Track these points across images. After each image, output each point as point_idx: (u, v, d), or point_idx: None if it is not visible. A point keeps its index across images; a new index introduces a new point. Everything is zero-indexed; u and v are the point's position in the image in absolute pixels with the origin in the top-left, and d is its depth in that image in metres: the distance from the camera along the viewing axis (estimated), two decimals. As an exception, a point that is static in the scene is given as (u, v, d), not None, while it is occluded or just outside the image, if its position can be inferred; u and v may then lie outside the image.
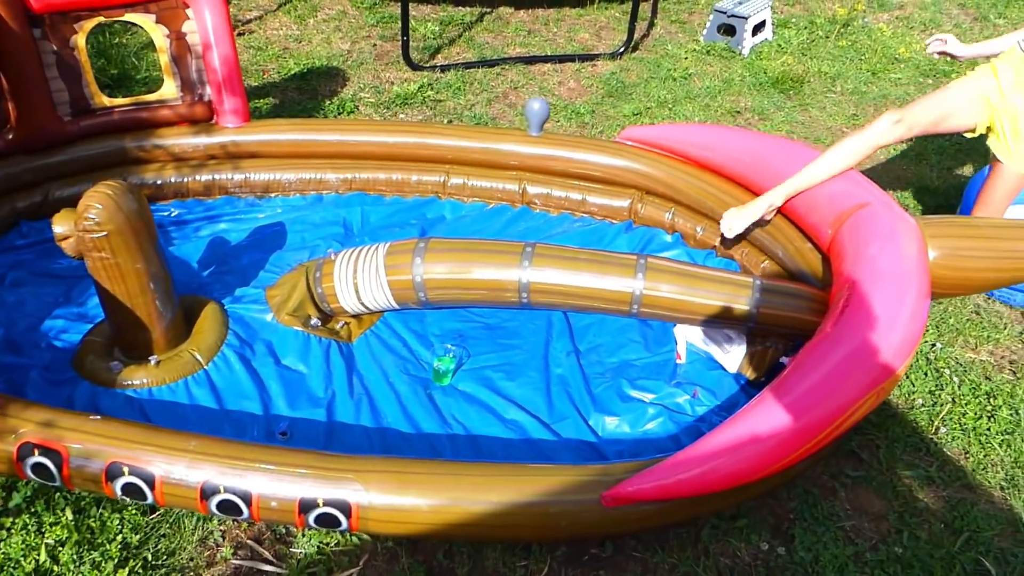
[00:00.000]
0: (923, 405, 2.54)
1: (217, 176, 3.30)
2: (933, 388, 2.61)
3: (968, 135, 2.79)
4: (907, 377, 2.65)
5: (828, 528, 2.16)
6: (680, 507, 1.92)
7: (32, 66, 3.02)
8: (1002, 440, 2.42)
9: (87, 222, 2.14)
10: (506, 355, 2.61)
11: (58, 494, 2.06)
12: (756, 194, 2.96)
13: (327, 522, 1.84)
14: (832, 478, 2.32)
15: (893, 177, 3.92)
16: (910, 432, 2.45)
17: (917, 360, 2.72)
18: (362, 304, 2.56)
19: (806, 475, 2.29)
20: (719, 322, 2.43)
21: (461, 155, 3.33)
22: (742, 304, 2.36)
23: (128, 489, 1.86)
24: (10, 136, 3.04)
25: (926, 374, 2.66)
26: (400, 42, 4.66)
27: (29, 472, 1.90)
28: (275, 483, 1.81)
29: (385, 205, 3.30)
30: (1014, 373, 2.71)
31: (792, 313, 2.37)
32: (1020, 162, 2.71)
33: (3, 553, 1.93)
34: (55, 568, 1.91)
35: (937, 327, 2.89)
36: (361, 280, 2.51)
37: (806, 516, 2.20)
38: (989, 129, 2.75)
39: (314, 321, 2.58)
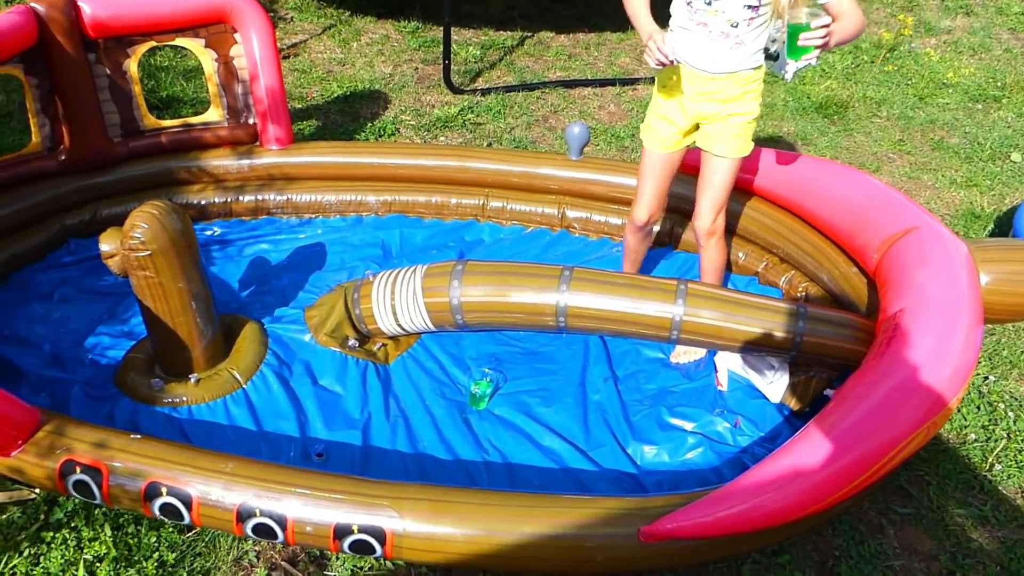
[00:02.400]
0: (976, 440, 2.45)
1: (260, 197, 3.35)
2: (986, 423, 2.52)
3: None
4: (959, 411, 2.56)
5: (876, 567, 2.08)
6: (720, 543, 1.86)
7: (86, 90, 3.11)
8: (1063, 480, 2.32)
9: (132, 241, 2.18)
10: (543, 380, 2.58)
11: (98, 510, 2.08)
12: (801, 218, 2.91)
13: (362, 549, 1.82)
14: (880, 514, 2.24)
15: (942, 203, 3.82)
16: (962, 468, 2.36)
17: (969, 393, 2.63)
18: (399, 326, 2.56)
19: (852, 511, 2.21)
20: (761, 350, 2.37)
21: (500, 179, 3.34)
22: (785, 332, 2.31)
23: (166, 510, 1.87)
24: (63, 157, 3.13)
25: (979, 408, 2.57)
26: (441, 65, 4.70)
27: (71, 489, 1.92)
28: (310, 508, 1.80)
29: (424, 227, 3.31)
30: (1073, 409, 2.60)
31: (837, 342, 2.31)
32: None
33: (43, 568, 1.94)
34: (92, 585, 1.93)
35: (990, 359, 2.79)
36: (399, 302, 2.51)
37: (852, 554, 2.12)
38: None
39: (351, 342, 2.58)
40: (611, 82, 4.94)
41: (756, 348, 2.37)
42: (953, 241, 2.34)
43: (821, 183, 2.83)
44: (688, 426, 2.41)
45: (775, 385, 2.46)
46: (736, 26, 2.22)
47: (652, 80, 4.92)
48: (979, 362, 2.76)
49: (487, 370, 2.55)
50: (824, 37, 2.04)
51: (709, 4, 2.20)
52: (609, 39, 5.68)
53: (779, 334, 2.31)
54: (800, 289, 2.88)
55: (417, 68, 5.11)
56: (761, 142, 4.33)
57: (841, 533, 2.17)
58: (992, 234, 3.54)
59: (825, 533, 2.17)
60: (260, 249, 3.14)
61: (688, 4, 2.24)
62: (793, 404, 2.46)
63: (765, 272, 3.03)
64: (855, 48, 5.52)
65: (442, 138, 4.26)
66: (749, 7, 2.19)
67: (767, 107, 4.72)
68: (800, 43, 2.04)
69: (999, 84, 5.05)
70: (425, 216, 3.38)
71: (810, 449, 1.82)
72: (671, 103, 2.42)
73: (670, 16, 2.35)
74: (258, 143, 3.40)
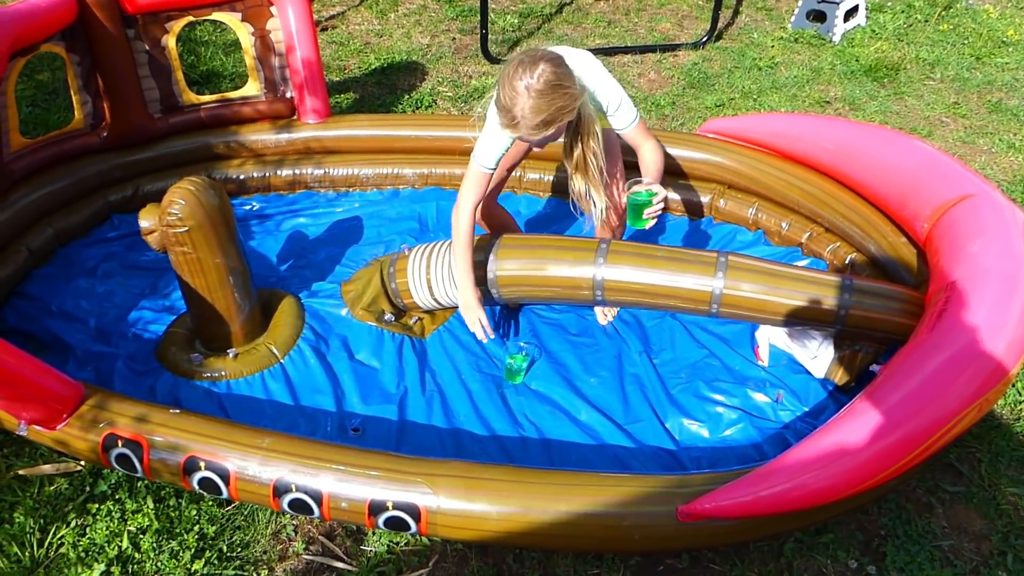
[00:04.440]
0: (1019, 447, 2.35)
1: (298, 171, 3.36)
2: (1036, 415, 2.42)
3: None
4: (1014, 385, 2.46)
5: (923, 547, 2.02)
6: (761, 523, 1.82)
7: (126, 66, 3.14)
8: (1125, 457, 2.22)
9: (170, 217, 2.20)
10: (579, 353, 2.55)
11: (140, 483, 2.12)
12: (846, 186, 2.81)
13: (397, 525, 1.82)
14: (928, 493, 2.17)
15: (999, 168, 3.66)
16: (1016, 445, 2.27)
17: (1009, 401, 2.52)
18: (435, 300, 2.55)
19: (899, 489, 2.15)
20: (805, 323, 2.30)
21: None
22: (830, 305, 2.23)
23: (204, 484, 1.89)
24: (105, 133, 3.17)
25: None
26: (479, 35, 4.64)
27: (113, 462, 1.96)
28: (346, 484, 1.81)
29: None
30: None
31: (884, 315, 2.22)
32: None
33: (89, 538, 1.99)
34: (136, 555, 1.97)
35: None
36: (434, 276, 2.49)
37: (899, 533, 2.06)
38: None
39: (388, 316, 2.58)
40: (651, 48, 4.82)
41: (799, 321, 2.30)
42: (1010, 209, 2.23)
43: (867, 150, 2.72)
44: (728, 401, 2.36)
45: (819, 360, 2.39)
46: None
47: (694, 46, 4.82)
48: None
49: (523, 344, 2.53)
50: (661, 204, 2.20)
51: None
52: (650, 4, 5.54)
53: (823, 307, 2.24)
54: (846, 260, 2.79)
55: (455, 38, 5.05)
56: (807, 107, 4.21)
57: (887, 512, 2.11)
58: (1052, 201, 3.38)
59: (871, 511, 2.11)
60: (298, 223, 3.15)
61: None
62: (838, 379, 2.39)
63: (809, 243, 2.94)
64: (908, 7, 5.30)
65: (479, 109, 4.21)
66: None
67: (813, 71, 4.56)
68: (645, 216, 2.21)
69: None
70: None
71: (856, 426, 1.76)
72: None
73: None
74: (296, 116, 3.40)
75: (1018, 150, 3.80)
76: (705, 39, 4.89)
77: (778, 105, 4.22)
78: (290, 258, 2.95)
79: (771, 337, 2.54)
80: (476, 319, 2.32)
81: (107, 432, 1.91)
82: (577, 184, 2.31)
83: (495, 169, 2.29)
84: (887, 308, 2.24)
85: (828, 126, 3.01)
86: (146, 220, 2.27)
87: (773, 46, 4.88)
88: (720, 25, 5.09)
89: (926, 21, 5.13)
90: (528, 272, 2.42)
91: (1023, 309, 1.95)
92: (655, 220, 2.24)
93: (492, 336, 2.36)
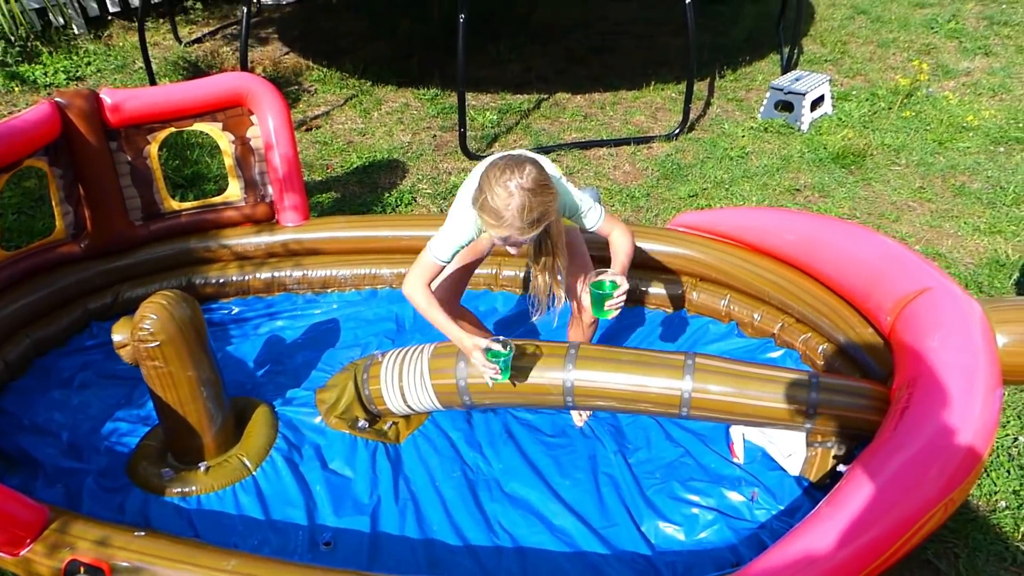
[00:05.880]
0: (1007, 508, 2.35)
1: (277, 273, 3.41)
2: (1017, 488, 2.41)
3: None
4: (988, 476, 2.46)
5: (904, 651, 1.99)
6: (734, 631, 1.79)
7: (108, 177, 3.22)
8: (1102, 549, 2.21)
9: (142, 332, 2.22)
10: (554, 454, 2.55)
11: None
12: (814, 277, 2.87)
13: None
14: (907, 592, 2.14)
15: (965, 251, 3.74)
16: (993, 539, 2.26)
17: (998, 457, 2.53)
18: (408, 406, 2.56)
19: (877, 590, 2.12)
20: (775, 424, 2.32)
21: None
22: (798, 404, 2.25)
23: (168, 607, 1.86)
24: (86, 242, 3.22)
25: (1009, 472, 2.47)
26: (458, 132, 4.79)
27: (76, 587, 1.93)
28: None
29: (437, 299, 3.32)
30: (1110, 471, 2.49)
31: (852, 412, 2.24)
32: None
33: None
34: None
35: (1019, 417, 2.69)
36: (407, 383, 2.51)
37: (879, 637, 2.02)
38: None
39: (361, 423, 2.58)
40: (626, 141, 4.97)
41: (769, 422, 2.31)
42: (967, 302, 2.28)
43: (831, 242, 2.79)
44: (704, 501, 2.35)
45: (794, 457, 2.40)
46: None
47: (667, 138, 4.98)
48: (1008, 423, 2.66)
49: (502, 339, 2.34)
50: (623, 296, 2.24)
51: None
52: (624, 97, 5.74)
53: (791, 406, 2.25)
54: (818, 351, 2.82)
55: (435, 135, 5.21)
56: (778, 195, 4.32)
57: (867, 614, 2.07)
58: (1018, 282, 3.44)
59: (850, 614, 2.07)
60: (275, 327, 3.18)
61: None
62: (812, 476, 2.38)
63: (781, 333, 2.97)
64: (872, 95, 5.50)
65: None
66: None
67: (783, 159, 4.70)
68: (607, 307, 2.25)
69: (1021, 125, 4.97)
70: (438, 287, 3.39)
71: (821, 532, 1.75)
72: None
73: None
74: (275, 220, 3.48)
75: (983, 232, 3.89)
76: (678, 131, 5.05)
77: (750, 194, 4.33)
78: (267, 363, 2.97)
79: (746, 432, 2.55)
80: (475, 360, 2.26)
81: (69, 558, 1.89)
82: (541, 283, 2.36)
83: (448, 263, 2.31)
84: (854, 405, 2.26)
85: (793, 219, 3.09)
86: (119, 334, 2.30)
87: (744, 136, 5.04)
88: (692, 117, 5.26)
89: (889, 108, 5.32)
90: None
91: (983, 404, 1.97)
92: (618, 311, 2.26)
93: (500, 378, 2.28)
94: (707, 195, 4.34)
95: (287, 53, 6.77)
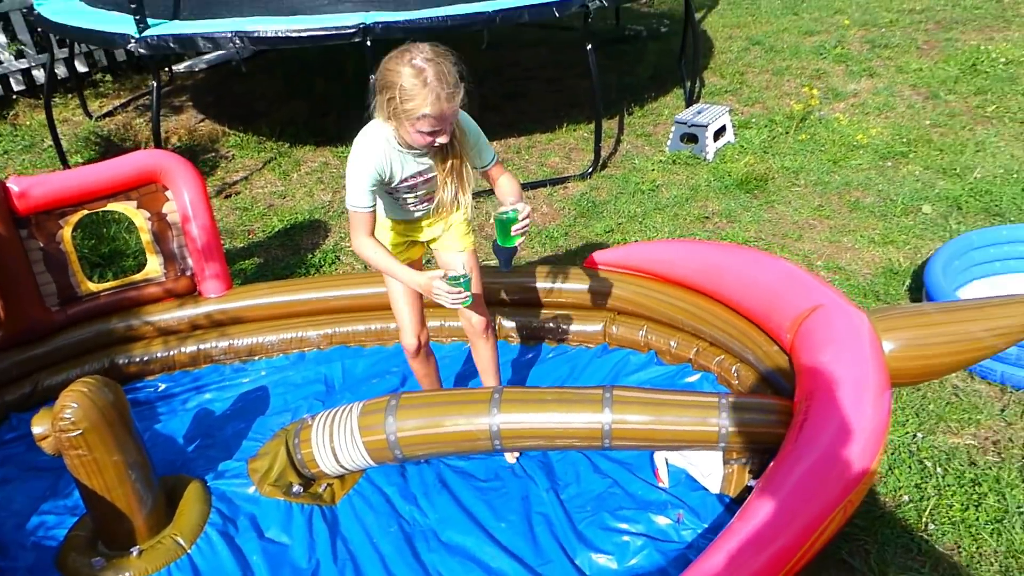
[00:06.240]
0: (910, 501, 2.51)
1: (203, 345, 3.41)
2: (919, 482, 2.58)
3: None
4: (892, 472, 2.63)
5: (828, 651, 2.10)
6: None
7: (19, 265, 3.19)
8: (992, 529, 2.38)
9: (63, 422, 2.22)
10: (488, 498, 2.61)
11: None
12: (721, 302, 3.03)
13: None
14: (825, 592, 2.27)
15: (862, 263, 3.98)
16: (900, 532, 2.41)
17: (900, 454, 2.70)
18: (341, 466, 2.59)
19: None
20: (692, 446, 2.43)
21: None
22: (711, 426, 2.38)
23: None
24: (0, 334, 3.18)
25: (910, 468, 2.64)
26: (376, 189, 4.86)
27: None
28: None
29: (366, 356, 3.38)
30: (999, 454, 2.68)
31: (762, 428, 2.37)
32: None
33: None
34: None
35: (917, 415, 2.88)
36: (338, 444, 2.55)
37: (803, 639, 2.13)
38: None
39: (296, 488, 2.61)
40: (542, 183, 5.14)
41: (686, 445, 2.43)
42: (855, 314, 2.45)
43: (733, 268, 2.96)
44: (633, 528, 2.44)
45: (712, 477, 2.52)
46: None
47: (582, 176, 5.16)
48: (907, 422, 2.85)
49: (461, 269, 2.41)
50: (527, 219, 2.38)
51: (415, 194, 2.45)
52: (539, 140, 5.93)
53: (705, 428, 2.38)
54: (732, 371, 2.97)
55: (355, 192, 5.28)
56: (689, 224, 4.52)
57: (791, 619, 2.19)
58: (910, 288, 3.68)
59: (776, 622, 2.18)
60: (204, 400, 3.18)
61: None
62: (732, 492, 2.51)
63: (697, 358, 3.12)
64: (770, 122, 5.81)
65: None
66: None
67: (691, 189, 4.93)
68: (513, 232, 2.38)
69: (905, 140, 5.32)
70: (366, 344, 3.45)
71: (735, 546, 1.86)
72: (398, 228, 2.61)
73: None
74: (197, 292, 3.49)
75: (878, 244, 4.15)
76: (591, 169, 5.25)
77: (662, 225, 4.53)
78: (196, 438, 2.97)
79: (668, 457, 2.66)
80: (435, 289, 2.28)
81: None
82: (448, 192, 2.43)
83: (373, 206, 2.35)
84: (763, 421, 2.39)
85: (698, 249, 3.27)
86: (39, 426, 2.29)
87: (654, 169, 5.26)
88: (604, 155, 5.48)
89: (787, 133, 5.63)
90: (427, 431, 2.50)
91: (873, 410, 2.13)
92: (524, 236, 2.40)
93: (469, 297, 2.31)
94: (622, 229, 4.52)
95: (202, 120, 6.79)
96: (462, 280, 2.31)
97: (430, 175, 2.44)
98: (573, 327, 3.38)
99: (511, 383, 3.18)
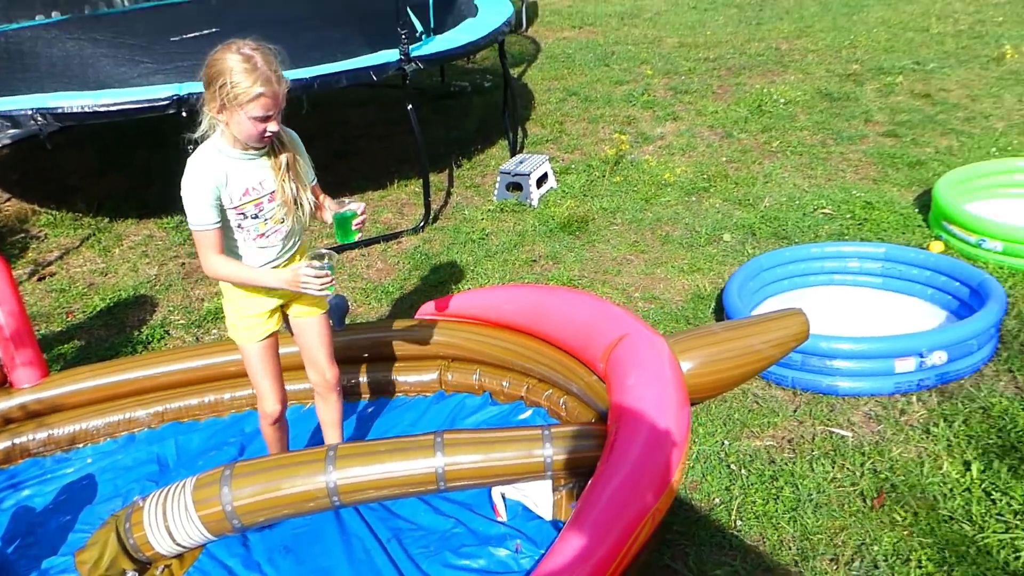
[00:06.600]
0: (721, 503, 2.78)
1: (17, 440, 3.22)
2: (727, 484, 2.87)
3: None
4: (705, 479, 2.90)
5: (656, 651, 2.29)
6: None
7: None
8: (789, 518, 2.68)
9: None
10: (333, 555, 2.64)
11: None
12: (544, 340, 3.24)
13: None
14: (652, 597, 2.47)
15: (674, 291, 4.35)
16: (713, 532, 2.66)
17: (711, 461, 2.98)
18: (178, 545, 2.54)
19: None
20: (523, 478, 2.59)
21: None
22: (536, 457, 2.54)
23: None
24: None
25: (720, 473, 2.93)
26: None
27: None
28: None
29: (201, 430, 3.31)
30: (793, 451, 3.02)
31: (582, 454, 2.56)
32: None
33: None
34: None
35: (725, 424, 3.20)
36: (172, 522, 2.50)
37: (635, 645, 2.31)
38: None
39: (129, 575, 2.52)
40: (376, 240, 5.25)
41: (518, 478, 2.58)
42: (656, 340, 2.72)
43: (552, 306, 3.19)
44: (475, 564, 2.55)
45: (542, 504, 2.68)
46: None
47: (414, 231, 5.31)
48: (715, 432, 3.15)
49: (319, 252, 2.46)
50: (364, 214, 2.57)
51: (263, 218, 2.50)
52: (371, 198, 6.04)
53: (531, 460, 2.54)
54: (560, 404, 3.17)
55: (184, 263, 5.17)
56: (517, 269, 4.77)
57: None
58: (715, 311, 4.08)
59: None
60: (22, 497, 3.00)
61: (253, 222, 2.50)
62: (563, 516, 2.68)
63: (528, 395, 3.31)
64: (588, 167, 6.24)
65: (214, 331, 4.31)
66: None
67: (519, 235, 5.20)
68: (354, 227, 2.57)
69: (706, 176, 5.89)
70: (201, 418, 3.39)
71: (557, 567, 2.02)
72: (255, 299, 2.62)
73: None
74: (8, 383, 3.30)
75: (686, 272, 4.56)
76: (423, 223, 5.41)
77: (493, 271, 4.74)
78: (16, 538, 2.80)
79: (504, 491, 2.80)
80: (303, 277, 2.35)
81: None
82: (288, 189, 2.48)
83: (216, 222, 2.37)
84: (583, 447, 2.58)
85: (519, 292, 3.49)
86: None
87: (483, 219, 5.50)
88: (436, 207, 5.67)
89: (603, 176, 6.06)
90: (265, 496, 2.50)
91: (675, 425, 2.38)
92: (362, 232, 2.61)
93: (332, 281, 2.40)
94: (455, 279, 4.69)
95: (7, 200, 6.40)
96: (326, 263, 2.39)
97: (271, 188, 2.47)
98: (410, 378, 3.49)
99: (353, 439, 3.23)
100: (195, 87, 4.51)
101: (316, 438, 3.16)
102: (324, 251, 2.43)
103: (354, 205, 2.55)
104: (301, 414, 3.38)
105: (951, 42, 8.67)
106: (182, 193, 2.36)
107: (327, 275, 2.39)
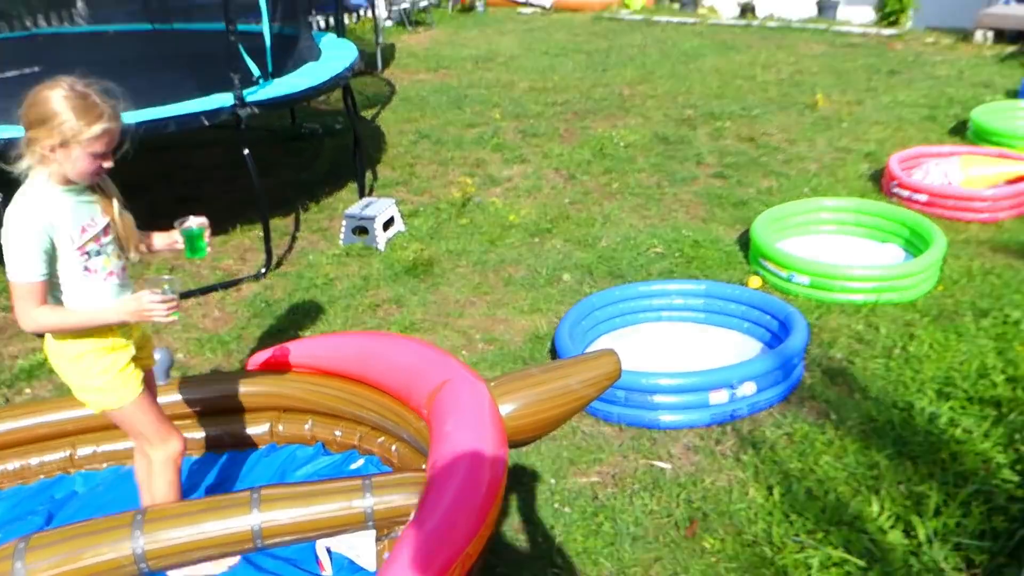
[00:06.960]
0: (544, 541, 2.87)
1: None
2: (552, 523, 2.96)
3: None
4: (532, 520, 2.98)
5: None
6: None
7: None
8: (608, 552, 2.80)
9: None
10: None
11: None
12: (375, 387, 3.25)
13: None
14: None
15: (514, 331, 4.47)
16: (537, 571, 2.74)
17: (538, 501, 3.07)
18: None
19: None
20: (345, 530, 2.57)
21: (84, 423, 3.25)
22: (356, 508, 2.53)
23: None
24: None
25: (546, 511, 3.02)
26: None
27: None
28: None
29: (3, 500, 3.08)
30: (616, 486, 3.16)
31: (404, 502, 2.58)
32: None
33: None
34: None
35: (553, 462, 3.30)
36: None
37: None
38: None
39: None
40: (213, 288, 5.08)
41: (339, 531, 2.56)
42: (476, 384, 2.79)
43: (379, 353, 3.20)
44: (297, 623, 2.50)
45: (365, 556, 2.67)
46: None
47: (255, 278, 5.19)
48: (544, 472, 3.25)
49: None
50: (208, 229, 2.65)
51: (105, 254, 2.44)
52: (213, 243, 5.83)
53: (351, 512, 2.52)
54: (392, 451, 3.18)
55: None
56: (360, 313, 4.75)
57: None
58: (551, 349, 4.22)
59: None
60: None
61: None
62: (388, 566, 2.68)
63: (361, 443, 3.29)
64: (436, 209, 6.32)
65: (28, 391, 4.03)
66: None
67: (363, 279, 5.19)
68: (207, 240, 2.67)
69: (549, 218, 6.10)
70: (3, 486, 3.15)
71: (366, 619, 2.02)
72: (115, 349, 2.53)
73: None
74: None
75: (527, 313, 4.69)
76: (264, 270, 5.30)
77: (335, 317, 4.70)
78: None
79: (329, 544, 2.77)
80: (147, 304, 2.30)
81: None
82: (123, 219, 2.46)
83: (45, 275, 2.24)
84: (404, 494, 2.60)
85: (349, 340, 3.49)
86: None
87: (328, 264, 5.45)
88: (280, 253, 5.57)
89: (450, 219, 6.16)
90: (64, 568, 2.35)
91: (489, 469, 2.44)
92: (210, 247, 2.67)
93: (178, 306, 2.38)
94: (295, 327, 4.62)
95: None
96: (167, 287, 2.34)
97: (103, 222, 2.39)
98: (240, 430, 3.39)
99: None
100: (8, 131, 4.25)
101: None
102: (163, 277, 2.41)
103: (196, 220, 2.57)
104: (120, 474, 3.21)
105: (774, 89, 9.46)
106: (3, 242, 2.24)
107: (173, 299, 2.35)
